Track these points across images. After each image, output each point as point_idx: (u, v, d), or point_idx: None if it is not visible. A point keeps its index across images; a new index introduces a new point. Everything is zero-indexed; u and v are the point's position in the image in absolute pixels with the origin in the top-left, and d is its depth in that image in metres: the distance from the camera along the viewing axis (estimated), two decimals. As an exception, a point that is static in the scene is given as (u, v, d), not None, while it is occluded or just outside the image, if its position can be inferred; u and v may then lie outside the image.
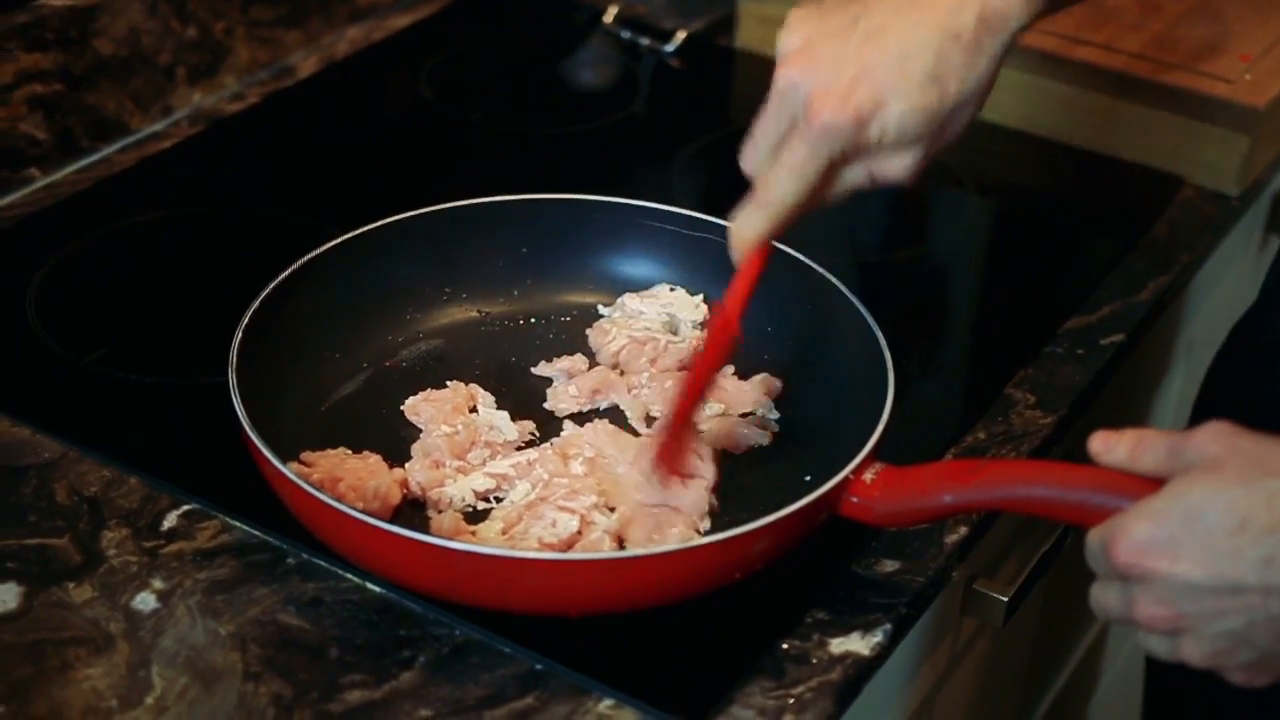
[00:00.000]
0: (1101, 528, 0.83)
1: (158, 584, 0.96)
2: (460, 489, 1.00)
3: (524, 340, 1.13)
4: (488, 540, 0.96)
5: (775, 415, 1.08)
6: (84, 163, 1.34)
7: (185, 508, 1.01)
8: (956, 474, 0.93)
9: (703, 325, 1.14)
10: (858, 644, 0.95)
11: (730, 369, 1.10)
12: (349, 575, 0.97)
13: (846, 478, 0.93)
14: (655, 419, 1.07)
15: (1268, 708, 1.05)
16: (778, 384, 1.09)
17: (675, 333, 1.13)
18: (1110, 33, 1.43)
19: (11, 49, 1.27)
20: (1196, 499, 0.80)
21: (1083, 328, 1.22)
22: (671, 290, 1.15)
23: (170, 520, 1.00)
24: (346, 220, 1.11)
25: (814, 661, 0.93)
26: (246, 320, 1.01)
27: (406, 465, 1.02)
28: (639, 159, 1.39)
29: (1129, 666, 1.67)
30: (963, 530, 1.03)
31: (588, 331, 1.14)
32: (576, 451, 1.03)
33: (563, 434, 1.05)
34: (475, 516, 0.99)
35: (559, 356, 1.11)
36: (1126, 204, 1.38)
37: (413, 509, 1.00)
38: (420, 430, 1.05)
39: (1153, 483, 0.83)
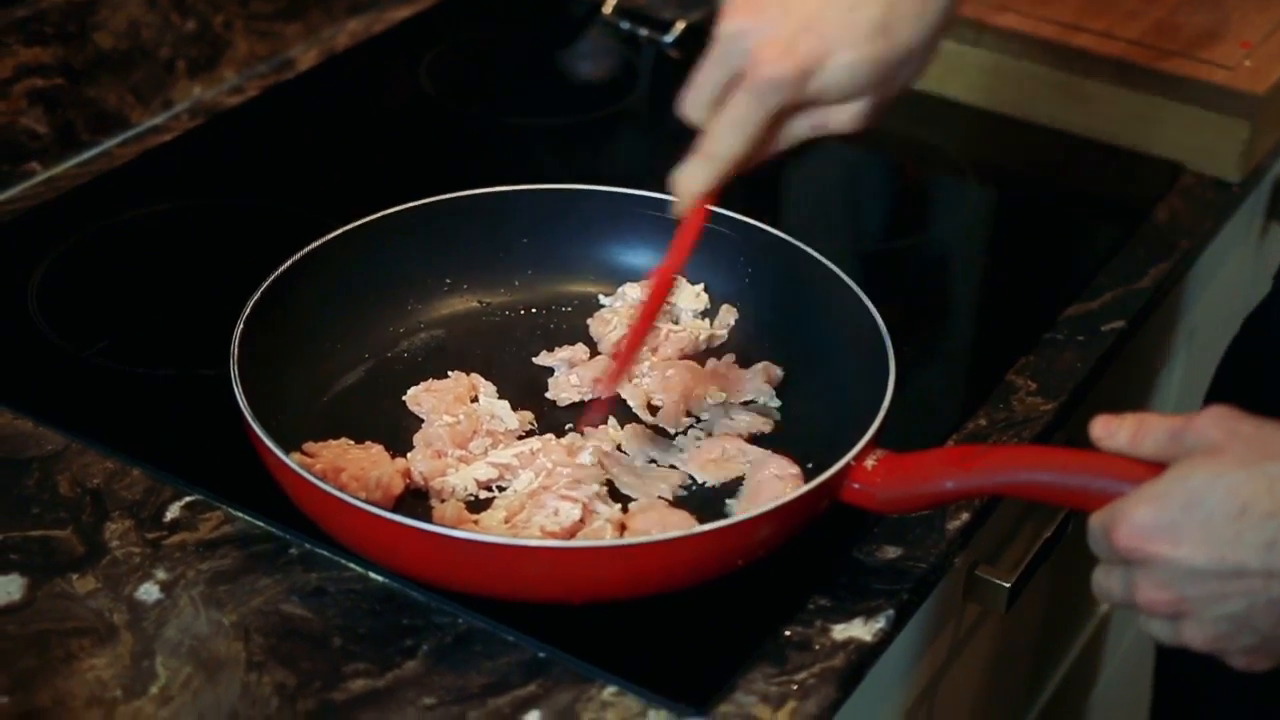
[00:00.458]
0: (1103, 512, 0.83)
1: (161, 575, 0.96)
2: (462, 478, 1.00)
3: (525, 330, 1.13)
4: (490, 529, 0.96)
5: (776, 403, 1.08)
6: (84, 156, 1.34)
7: (188, 499, 1.01)
8: (958, 459, 0.94)
9: (704, 314, 1.14)
10: (860, 630, 0.95)
11: (731, 357, 1.10)
12: (352, 565, 0.97)
13: (848, 464, 0.93)
14: (658, 407, 1.07)
15: (1275, 691, 1.05)
16: (779, 372, 1.09)
17: (676, 322, 1.13)
18: (1110, 20, 1.43)
19: (11, 43, 1.27)
20: (1198, 483, 0.80)
21: (1083, 314, 1.22)
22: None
23: (173, 511, 1.00)
24: (347, 212, 1.11)
25: (817, 648, 0.93)
26: (248, 312, 1.01)
27: (409, 455, 1.02)
28: (639, 149, 1.39)
29: (1132, 652, 1.67)
30: (964, 516, 1.03)
31: (589, 321, 1.14)
32: (583, 444, 1.03)
33: (590, 431, 1.05)
34: (477, 506, 0.99)
35: (560, 346, 1.12)
36: (1127, 191, 1.38)
37: (415, 499, 1.00)
38: (422, 420, 1.05)
39: (1154, 467, 0.83)
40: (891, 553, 1.00)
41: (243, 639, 0.92)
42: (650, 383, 1.08)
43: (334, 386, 1.07)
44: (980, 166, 1.39)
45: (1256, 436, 0.81)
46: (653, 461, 1.03)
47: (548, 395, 1.08)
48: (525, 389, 1.08)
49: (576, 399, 1.08)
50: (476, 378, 1.08)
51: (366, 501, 0.92)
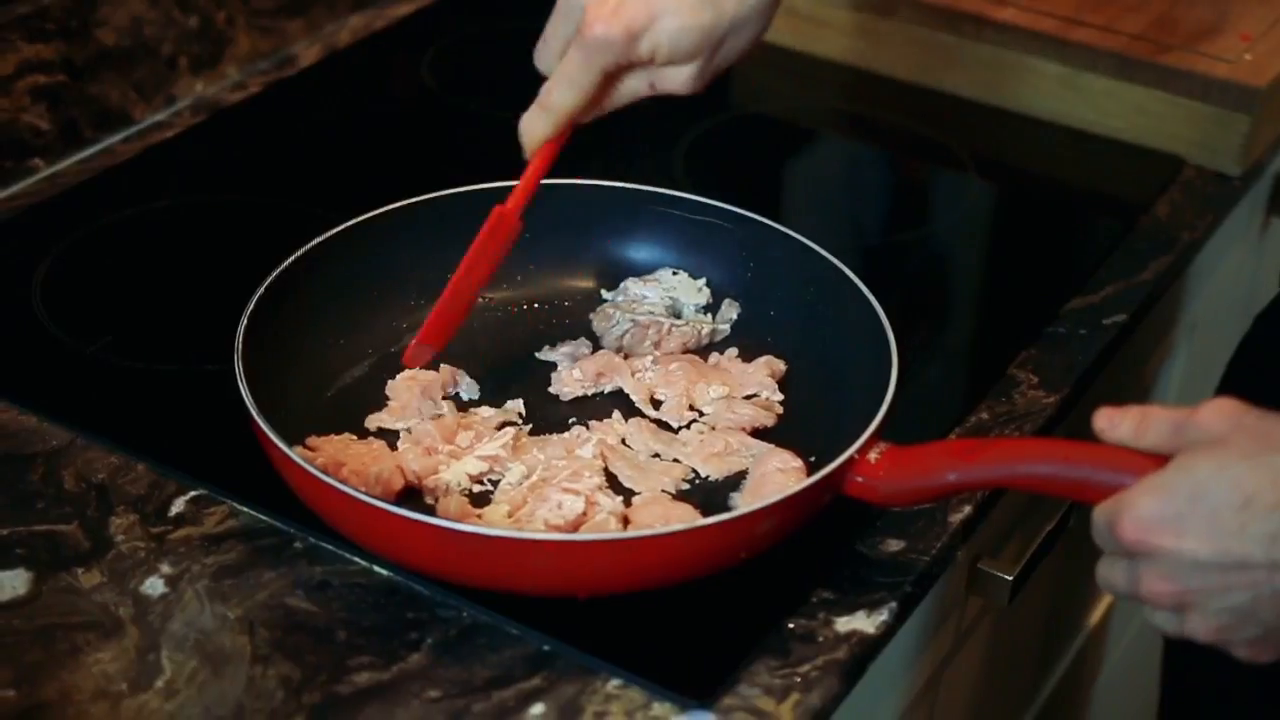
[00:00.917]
0: (1107, 504, 0.83)
1: (166, 569, 0.96)
2: (455, 474, 1.00)
3: (527, 325, 1.14)
4: (494, 522, 0.96)
5: (779, 397, 1.08)
6: (87, 153, 1.34)
7: (192, 493, 1.01)
8: (961, 452, 0.94)
9: (707, 309, 1.14)
10: (863, 623, 0.95)
11: (734, 351, 1.11)
12: (356, 559, 0.97)
13: (851, 457, 0.93)
14: (661, 402, 1.07)
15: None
16: (781, 366, 1.09)
17: (678, 316, 1.14)
18: (1110, 14, 1.44)
19: (14, 39, 1.27)
20: (1202, 475, 0.80)
21: (1085, 308, 1.22)
22: (674, 274, 1.15)
23: (178, 506, 1.00)
24: (350, 208, 1.11)
25: (820, 640, 0.94)
26: (251, 307, 1.01)
27: (399, 451, 1.02)
28: (640, 144, 1.39)
29: (1136, 644, 1.67)
30: (967, 509, 1.03)
31: (591, 316, 1.14)
32: (587, 436, 1.03)
33: (600, 422, 1.05)
34: (474, 500, 1.00)
35: (562, 341, 1.12)
36: (1128, 185, 1.38)
37: (416, 493, 1.00)
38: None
39: (1157, 459, 0.83)
40: (894, 546, 1.00)
41: (248, 633, 0.92)
42: (653, 377, 1.09)
43: (337, 381, 1.07)
44: (981, 160, 1.39)
45: (1260, 428, 0.81)
46: (656, 455, 1.03)
47: (550, 390, 1.09)
48: (528, 384, 1.08)
49: (579, 393, 1.08)
50: (446, 369, 1.08)
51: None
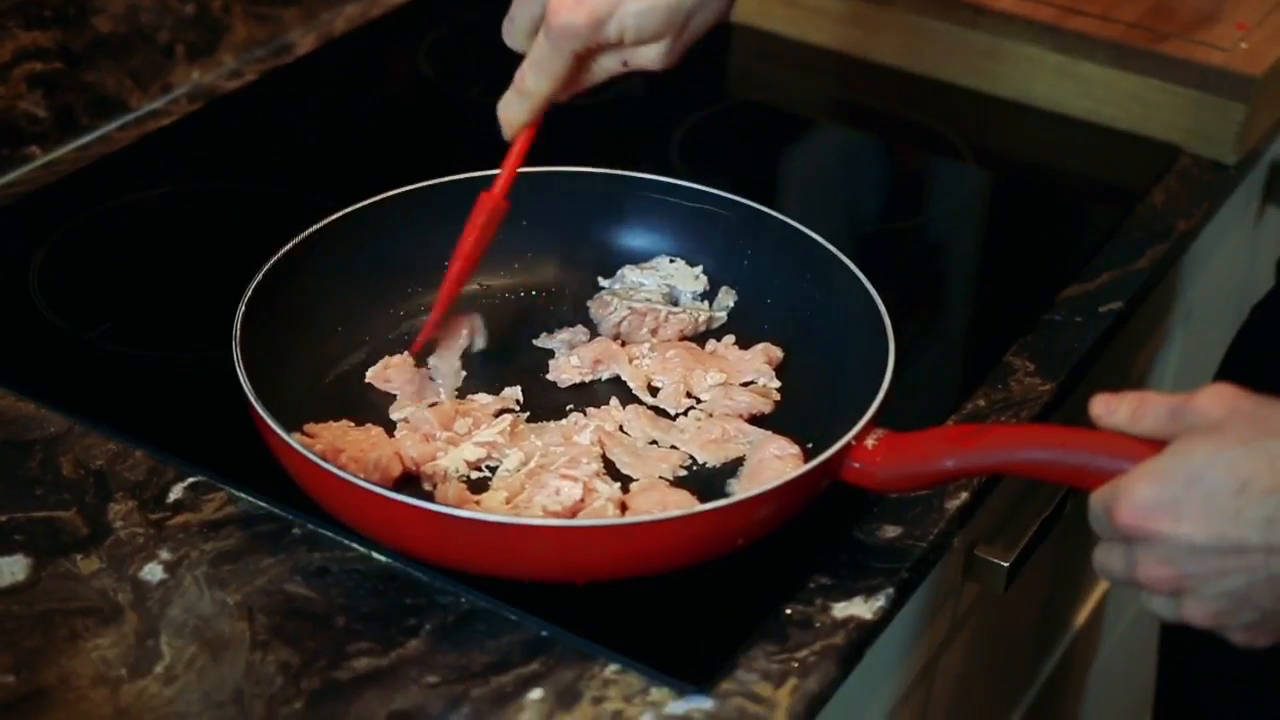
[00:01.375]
0: (1104, 490, 0.84)
1: (165, 555, 0.96)
2: (453, 460, 1.01)
3: (525, 313, 1.14)
4: (492, 509, 0.97)
5: (776, 384, 1.08)
6: (84, 140, 1.34)
7: (191, 480, 1.01)
8: (958, 438, 0.94)
9: (704, 296, 1.14)
10: (860, 608, 0.95)
11: (731, 338, 1.11)
12: (355, 545, 0.97)
13: (848, 444, 0.94)
14: (659, 389, 1.07)
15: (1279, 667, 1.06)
16: (779, 353, 1.10)
17: (675, 304, 1.14)
18: (1107, 2, 1.44)
19: (10, 27, 1.27)
20: (1198, 460, 0.80)
21: (1081, 295, 1.22)
22: (671, 262, 1.16)
23: (176, 492, 1.01)
24: (347, 195, 1.11)
25: (817, 626, 0.94)
26: (249, 294, 1.01)
27: (396, 437, 1.02)
28: (637, 132, 1.39)
29: (1132, 630, 1.68)
30: (963, 496, 1.03)
31: (588, 303, 1.14)
32: (584, 423, 1.03)
33: (598, 409, 1.05)
34: (472, 486, 1.00)
35: (560, 328, 1.12)
36: (1124, 173, 1.38)
37: (414, 480, 1.00)
38: (394, 396, 1.06)
39: (1154, 445, 0.83)
40: (891, 532, 1.00)
41: (247, 619, 0.93)
42: (651, 364, 1.09)
43: (335, 368, 1.07)
44: (978, 148, 1.39)
45: (1256, 413, 0.82)
46: (654, 442, 1.04)
47: (548, 377, 1.09)
48: (526, 371, 1.09)
49: (577, 380, 1.08)
50: (464, 318, 1.09)
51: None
